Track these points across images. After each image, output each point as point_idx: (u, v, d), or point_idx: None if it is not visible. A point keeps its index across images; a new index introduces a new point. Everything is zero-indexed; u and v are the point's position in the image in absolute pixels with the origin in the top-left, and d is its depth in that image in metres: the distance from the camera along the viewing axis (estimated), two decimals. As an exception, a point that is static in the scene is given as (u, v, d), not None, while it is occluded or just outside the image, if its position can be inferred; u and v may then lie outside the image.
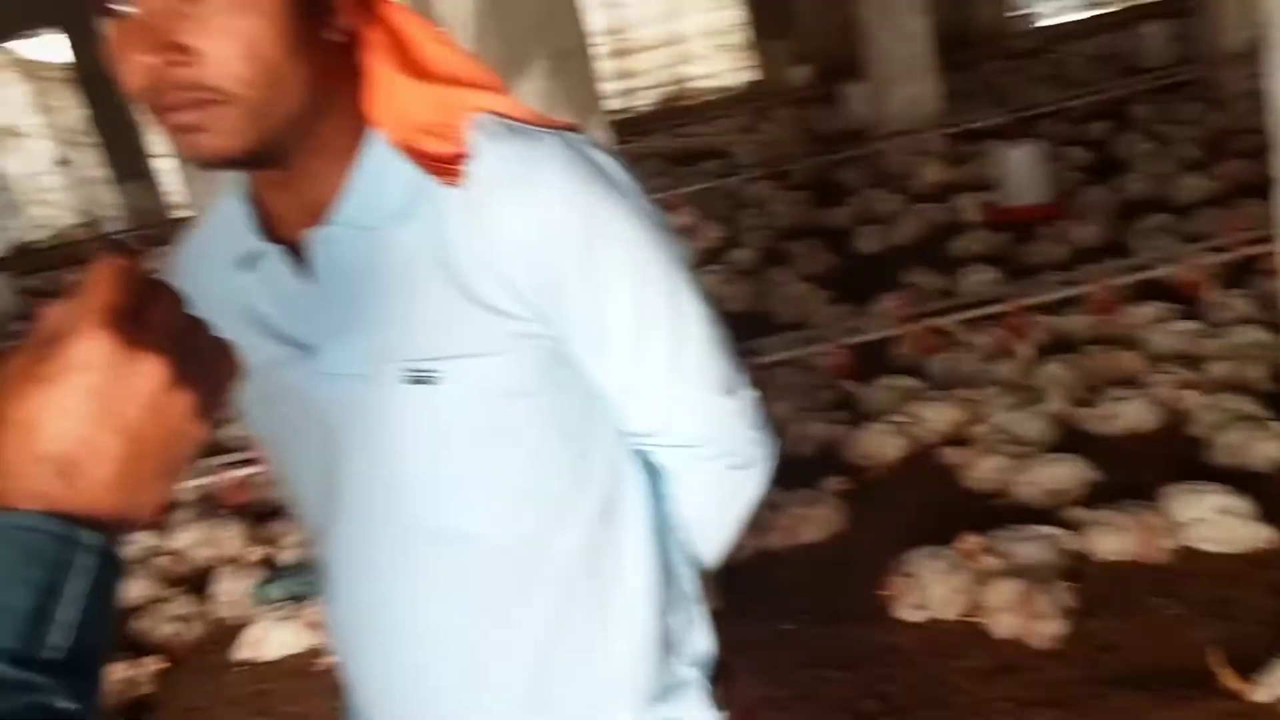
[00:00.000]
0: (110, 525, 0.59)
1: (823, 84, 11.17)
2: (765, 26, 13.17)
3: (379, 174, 0.94)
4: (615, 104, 14.04)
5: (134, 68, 0.83)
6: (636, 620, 1.05)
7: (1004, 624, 2.92)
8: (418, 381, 0.93)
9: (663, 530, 1.08)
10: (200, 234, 1.08)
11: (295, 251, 0.96)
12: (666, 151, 10.66)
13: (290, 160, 0.91)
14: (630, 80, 14.67)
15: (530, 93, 2.93)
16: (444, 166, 0.92)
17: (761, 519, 3.15)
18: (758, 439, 1.09)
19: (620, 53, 14.46)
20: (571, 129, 0.99)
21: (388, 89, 0.94)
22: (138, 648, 3.59)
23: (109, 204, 13.37)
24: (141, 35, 0.82)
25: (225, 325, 0.99)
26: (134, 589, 3.86)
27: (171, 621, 3.74)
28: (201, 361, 0.62)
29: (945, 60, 8.19)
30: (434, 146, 0.93)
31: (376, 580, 1.02)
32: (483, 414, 0.96)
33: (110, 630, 0.60)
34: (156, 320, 0.60)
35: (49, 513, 0.57)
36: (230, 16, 0.83)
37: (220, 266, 1.01)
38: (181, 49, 0.82)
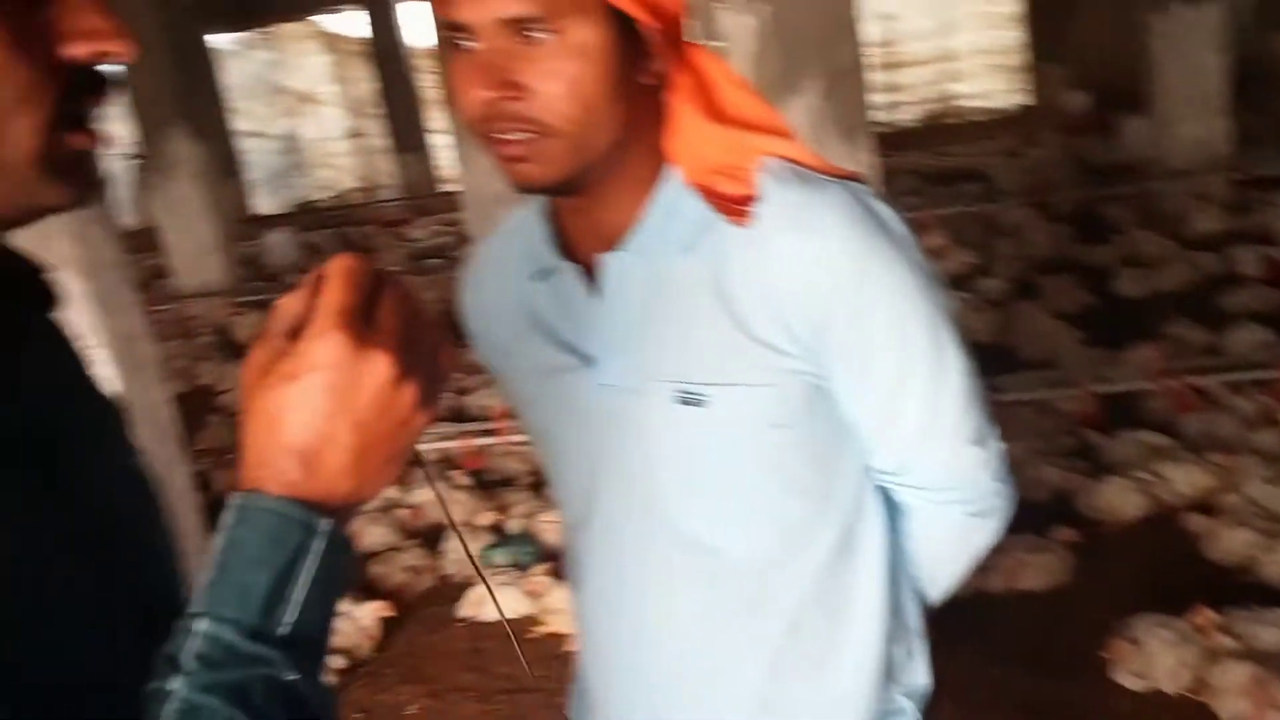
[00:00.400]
0: (341, 510, 0.65)
1: (1099, 114, 10.64)
2: (1043, 49, 12.64)
3: (671, 208, 1.02)
4: (879, 116, 13.87)
5: (472, 98, 0.94)
6: (864, 645, 1.09)
7: (1232, 707, 2.75)
8: (687, 403, 1.01)
9: (895, 563, 1.12)
10: (498, 241, 1.19)
11: (585, 270, 1.06)
12: (926, 170, 10.46)
13: (595, 189, 1.00)
14: (897, 94, 14.43)
15: (802, 110, 2.98)
16: (734, 207, 0.99)
17: (983, 558, 3.09)
18: (1000, 490, 1.12)
19: (890, 66, 14.25)
20: (855, 179, 1.04)
21: (688, 129, 1.01)
22: (370, 590, 3.87)
23: (386, 172, 14.31)
24: (482, 71, 0.93)
25: (513, 327, 1.11)
26: (374, 536, 4.17)
27: (404, 571, 4.01)
28: (423, 352, 0.66)
29: (1239, 99, 7.66)
30: (726, 187, 1.00)
31: (624, 578, 1.10)
32: (743, 439, 1.02)
33: (333, 609, 0.65)
34: (385, 318, 0.64)
35: (291, 499, 0.63)
36: (562, 60, 0.92)
37: (515, 274, 1.12)
38: (516, 86, 0.92)
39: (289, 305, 0.65)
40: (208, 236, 8.64)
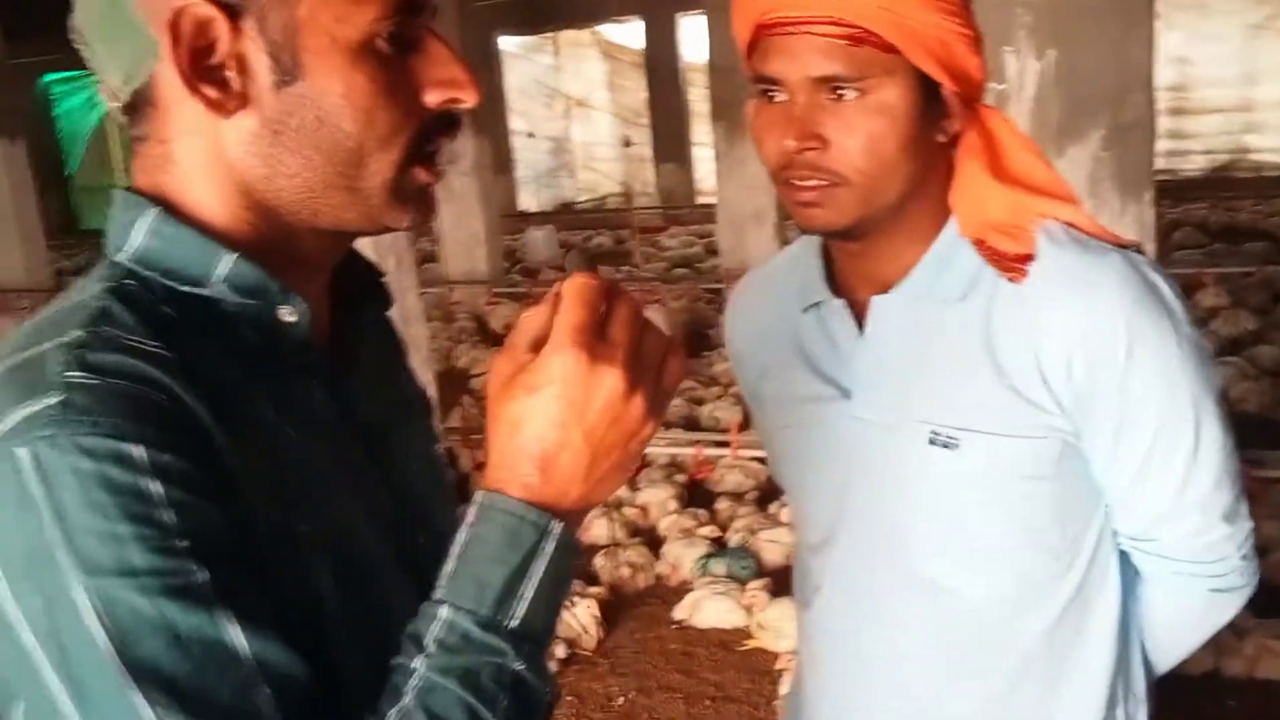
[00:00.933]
0: (572, 514, 0.69)
1: None
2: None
3: (946, 258, 1.06)
4: (1160, 164, 13.12)
5: (774, 146, 1.02)
6: (1087, 704, 1.10)
7: None
8: (939, 444, 1.05)
9: (1127, 627, 1.12)
10: (773, 271, 1.27)
11: (853, 307, 1.11)
12: (1210, 224, 9.83)
13: (876, 236, 1.06)
14: (1184, 142, 13.61)
15: (1081, 159, 2.91)
16: (1010, 264, 1.03)
17: (1220, 637, 2.92)
18: (1244, 568, 1.10)
19: (1178, 112, 13.46)
20: (1134, 247, 1.06)
21: (971, 185, 1.06)
22: (591, 579, 4.03)
23: (646, 180, 14.71)
24: (789, 122, 1.00)
25: (778, 354, 1.18)
26: (600, 529, 4.33)
27: (626, 567, 4.16)
28: (652, 365, 0.70)
29: None
30: (1003, 245, 1.04)
31: (854, 607, 1.15)
32: (992, 486, 1.05)
33: (560, 606, 0.70)
34: (616, 333, 0.68)
35: (529, 502, 0.67)
36: (863, 117, 0.99)
37: (787, 304, 1.18)
38: (819, 138, 0.99)
39: (531, 320, 0.69)
40: (477, 227, 9.17)
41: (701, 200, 13.28)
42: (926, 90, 1.00)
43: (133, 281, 0.71)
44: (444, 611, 0.66)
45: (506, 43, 15.00)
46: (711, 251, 10.30)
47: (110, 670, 0.60)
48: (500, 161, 13.18)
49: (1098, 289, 1.01)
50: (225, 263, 0.72)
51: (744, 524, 4.28)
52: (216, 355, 0.70)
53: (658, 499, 4.59)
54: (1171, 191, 11.24)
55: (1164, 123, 13.16)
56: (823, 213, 1.02)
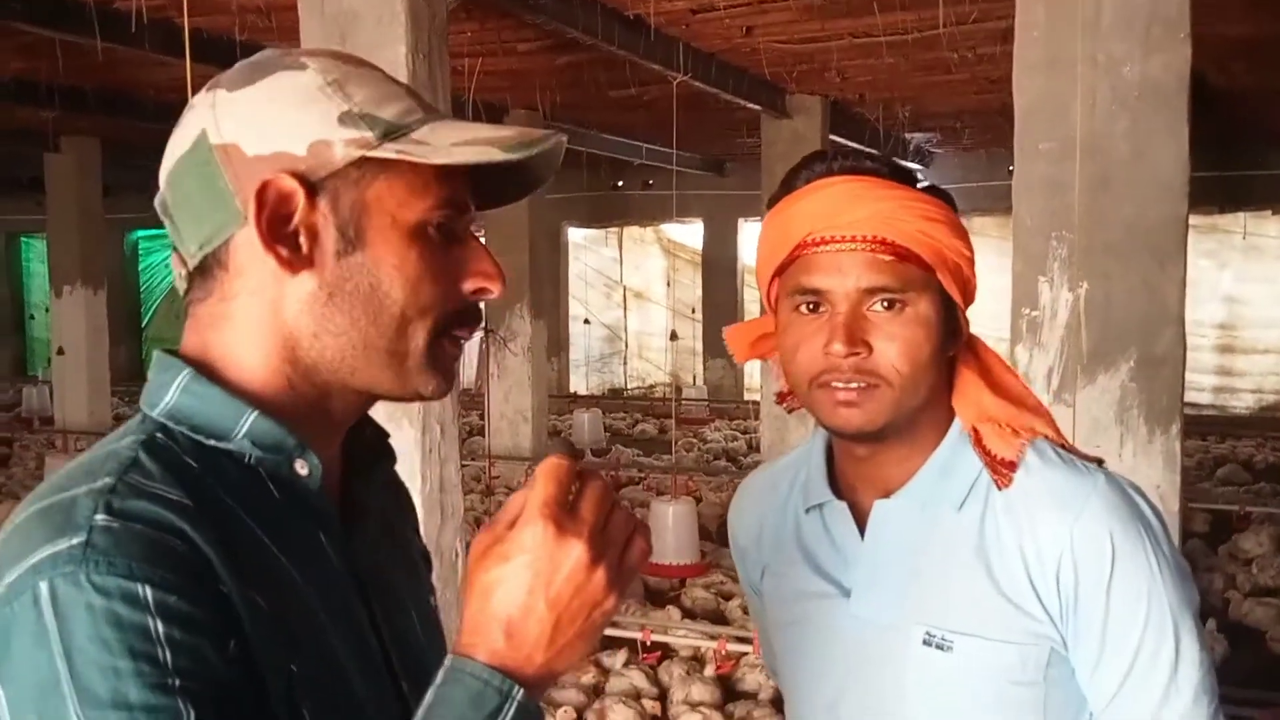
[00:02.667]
0: (535, 682, 0.72)
1: None
2: None
3: (946, 468, 1.15)
4: (1206, 399, 13.11)
5: (813, 352, 1.11)
6: None
7: None
8: (934, 645, 1.11)
9: None
10: (778, 470, 1.34)
11: (854, 509, 1.19)
12: (1255, 462, 9.75)
13: (893, 440, 1.14)
14: (1232, 379, 13.63)
15: (1110, 388, 2.98)
16: (999, 468, 1.12)
17: None
18: None
19: (1227, 349, 13.53)
20: (1099, 463, 1.15)
21: (969, 390, 1.17)
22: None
23: (695, 373, 14.95)
24: (831, 330, 1.09)
25: (781, 551, 1.24)
26: (623, 717, 4.26)
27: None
28: (617, 542, 0.75)
29: None
30: (995, 447, 1.13)
31: None
32: (982, 689, 1.10)
33: None
34: (584, 509, 0.74)
35: (494, 667, 0.71)
36: (904, 326, 1.09)
37: (789, 502, 1.27)
38: (865, 344, 1.09)
39: (514, 500, 0.75)
40: (525, 405, 9.34)
41: (749, 397, 13.43)
42: (946, 306, 1.12)
43: (162, 435, 0.79)
44: None
45: (573, 234, 15.60)
46: (753, 447, 10.38)
47: None
48: (556, 344, 13.51)
49: (1085, 506, 1.08)
50: (247, 419, 0.80)
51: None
52: (234, 505, 0.78)
53: (676, 692, 4.52)
54: (1219, 427, 11.21)
55: (1212, 359, 13.23)
56: (859, 413, 1.10)
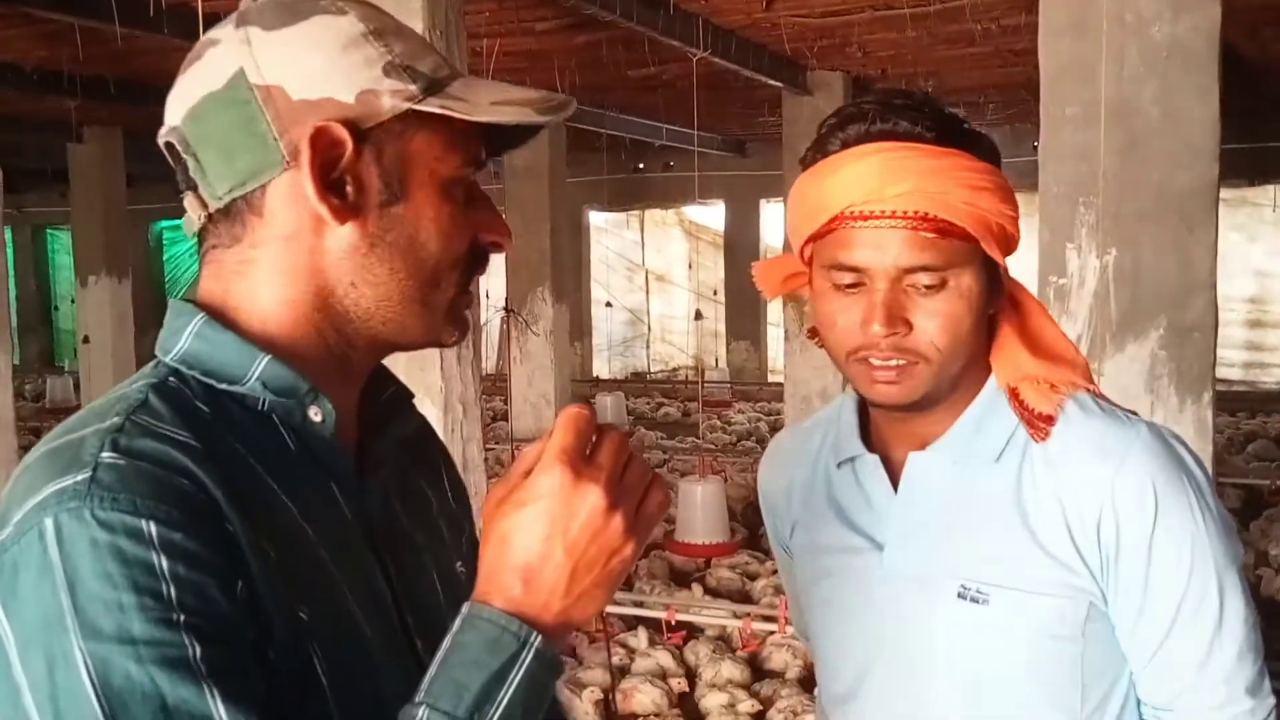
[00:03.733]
0: (553, 629, 0.72)
1: None
2: None
3: (982, 421, 1.12)
4: (1237, 374, 12.95)
5: (850, 330, 1.07)
6: None
7: None
8: (969, 599, 1.08)
9: None
10: (809, 426, 1.32)
11: (886, 462, 1.16)
12: (1283, 438, 9.64)
13: (929, 403, 1.11)
14: (1262, 354, 13.47)
15: (1140, 356, 2.93)
16: (1036, 422, 1.09)
17: None
18: None
19: (1257, 324, 13.37)
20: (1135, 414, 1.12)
21: (1007, 345, 1.13)
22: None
23: (718, 355, 14.91)
24: (869, 308, 1.05)
25: (812, 507, 1.22)
26: (645, 697, 4.25)
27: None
28: (635, 491, 0.75)
29: None
30: (1033, 400, 1.10)
31: None
32: (1019, 644, 1.08)
33: (535, 718, 0.72)
34: (601, 457, 0.74)
35: (511, 613, 0.71)
36: (946, 302, 1.06)
37: (819, 458, 1.24)
38: (905, 323, 1.05)
39: (529, 452, 0.75)
40: (547, 389, 9.34)
41: (772, 379, 13.38)
42: (989, 269, 1.08)
43: (174, 379, 0.79)
44: (422, 712, 0.69)
45: (595, 217, 15.58)
46: (777, 428, 10.34)
47: None
48: (578, 328, 13.50)
49: (1127, 455, 1.05)
50: (259, 363, 0.79)
51: (786, 705, 4.17)
52: (243, 449, 0.77)
53: (705, 671, 4.51)
54: (1249, 402, 11.08)
55: (1242, 334, 13.07)
56: (898, 389, 1.08)
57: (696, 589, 5.49)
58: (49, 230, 18.10)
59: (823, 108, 8.12)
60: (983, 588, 1.08)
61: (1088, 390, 1.12)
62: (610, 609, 4.20)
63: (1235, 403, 10.87)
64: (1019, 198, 1.11)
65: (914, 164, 1.03)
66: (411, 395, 0.97)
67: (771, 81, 7.59)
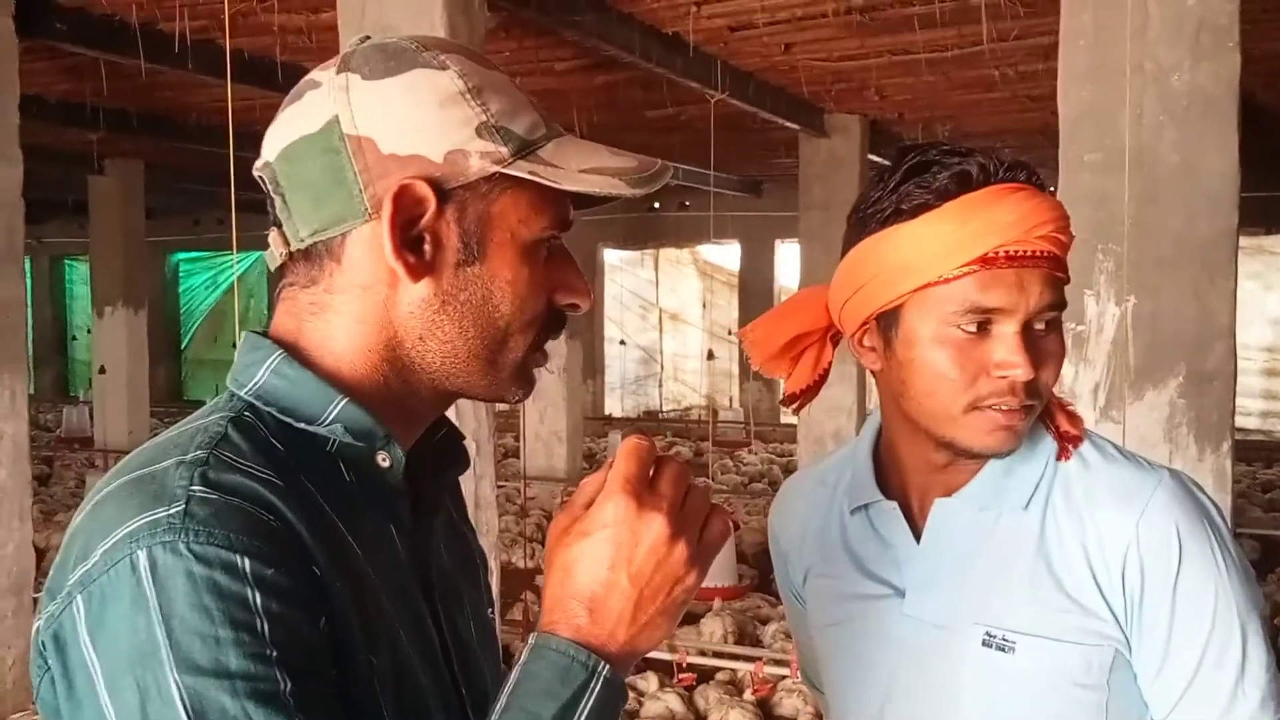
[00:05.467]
0: (619, 659, 0.72)
1: None
2: None
3: (1008, 468, 1.10)
4: (1253, 423, 12.86)
5: (977, 373, 1.03)
6: None
7: None
8: (994, 647, 1.06)
9: None
10: (821, 471, 1.29)
11: (904, 508, 1.14)
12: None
13: None
14: (1277, 403, 13.36)
15: (1159, 405, 2.91)
16: (1065, 441, 1.09)
17: None
18: None
19: (1273, 373, 13.28)
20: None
21: None
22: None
23: (731, 395, 14.89)
24: (1010, 352, 1.02)
25: (825, 552, 1.20)
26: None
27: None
28: (696, 520, 0.76)
29: None
30: (1065, 423, 1.10)
31: None
32: (1043, 692, 1.06)
33: None
34: (663, 486, 0.75)
35: (578, 643, 0.72)
36: (1057, 343, 1.07)
37: (836, 504, 1.22)
38: (1038, 366, 1.04)
39: (590, 483, 0.77)
40: (560, 427, 9.33)
41: (786, 420, 13.33)
42: None
43: (250, 414, 0.79)
44: None
45: (610, 255, 15.62)
46: (790, 470, 10.28)
47: None
48: (591, 366, 13.50)
49: (1151, 501, 1.04)
50: (338, 404, 0.79)
51: (800, 752, 4.12)
52: (314, 488, 0.77)
53: (714, 716, 4.46)
54: (1267, 451, 10.99)
55: (1259, 383, 12.99)
56: (1011, 436, 1.05)
57: (705, 626, 5.43)
58: (67, 261, 18.24)
59: (839, 150, 8.15)
60: (1009, 635, 1.06)
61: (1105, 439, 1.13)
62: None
63: (1252, 452, 10.78)
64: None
65: (1049, 204, 1.04)
66: (463, 437, 0.97)
67: (789, 124, 7.63)
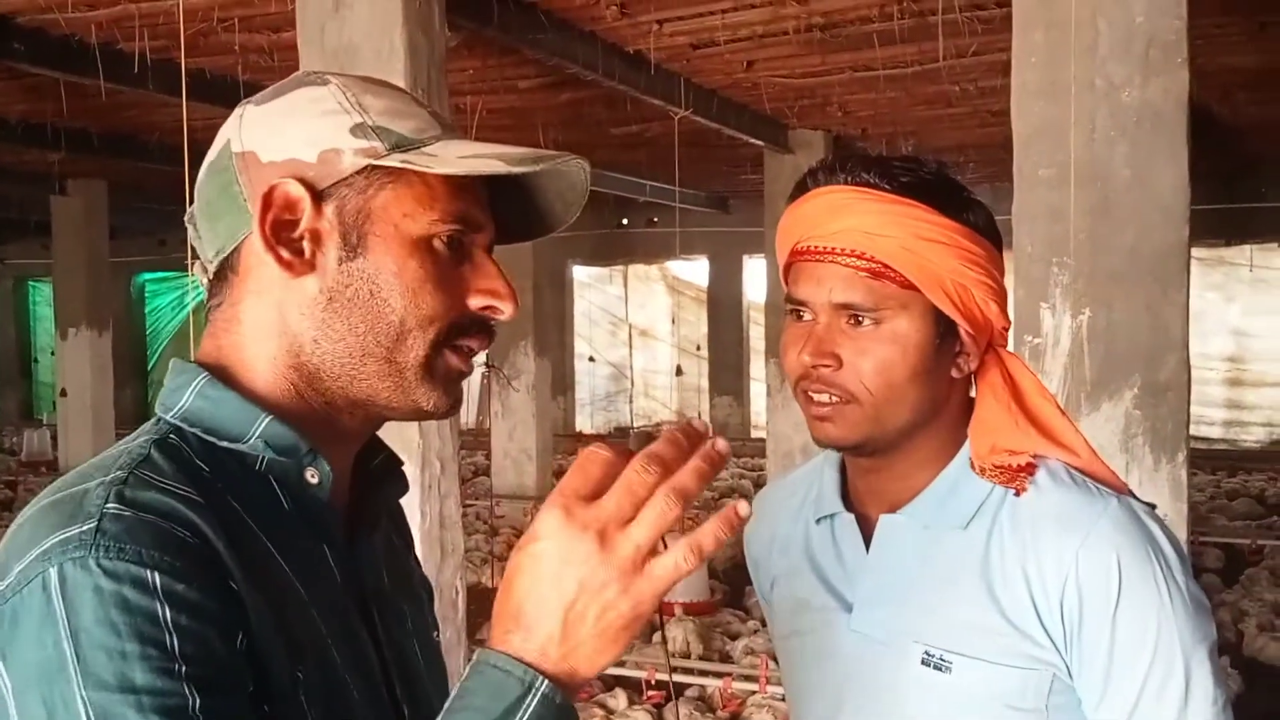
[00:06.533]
0: (561, 678, 0.68)
1: None
2: None
3: (955, 486, 1.11)
4: (1217, 433, 13.01)
5: (794, 359, 1.11)
6: None
7: None
8: (932, 666, 1.07)
9: None
10: (794, 480, 1.32)
11: (862, 522, 1.16)
12: (1267, 496, 9.65)
13: (889, 457, 1.12)
14: (1242, 413, 13.52)
15: (1115, 416, 2.94)
16: (1015, 475, 1.08)
17: None
18: None
19: (1236, 383, 13.44)
20: (1130, 494, 1.10)
21: (988, 419, 1.12)
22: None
23: (701, 411, 14.89)
24: (809, 340, 1.09)
25: (790, 561, 1.21)
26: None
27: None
28: (643, 541, 0.67)
29: None
30: (1010, 460, 1.09)
31: None
32: (981, 712, 1.06)
33: None
34: (606, 500, 0.68)
35: (513, 657, 0.68)
36: (875, 343, 1.07)
37: (803, 514, 1.24)
38: (834, 357, 1.07)
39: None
40: (529, 444, 9.30)
41: (756, 434, 13.36)
42: (942, 326, 1.08)
43: (175, 437, 0.80)
44: None
45: (579, 271, 15.63)
46: (761, 484, 10.30)
47: None
48: (561, 383, 13.48)
49: (1092, 529, 1.04)
50: (261, 422, 0.80)
51: (769, 767, 4.12)
52: (240, 506, 0.78)
53: (683, 733, 4.45)
54: (1230, 460, 11.12)
55: (1222, 393, 13.14)
56: (833, 427, 1.09)
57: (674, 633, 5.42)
58: (30, 282, 18.03)
59: (804, 165, 8.13)
60: (946, 655, 1.07)
61: (1066, 465, 1.10)
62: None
63: (1216, 461, 10.89)
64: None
65: (858, 205, 1.07)
66: (400, 463, 0.97)
67: (753, 140, 7.67)
